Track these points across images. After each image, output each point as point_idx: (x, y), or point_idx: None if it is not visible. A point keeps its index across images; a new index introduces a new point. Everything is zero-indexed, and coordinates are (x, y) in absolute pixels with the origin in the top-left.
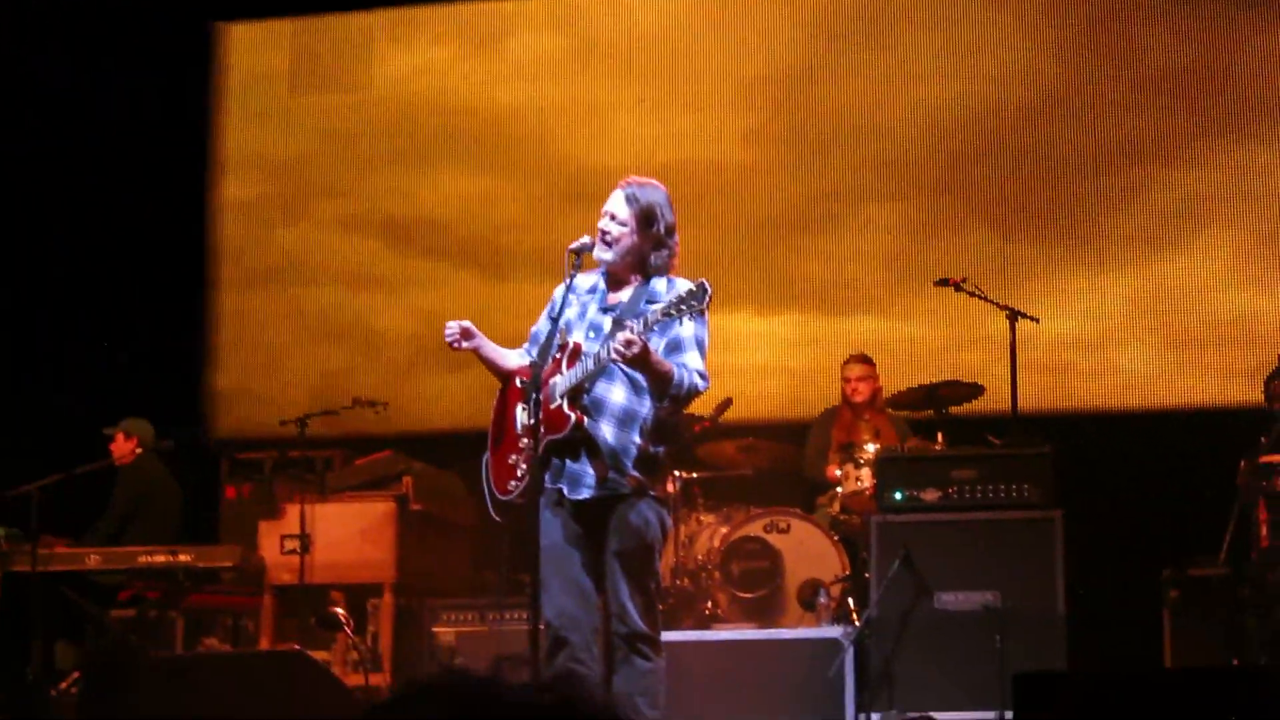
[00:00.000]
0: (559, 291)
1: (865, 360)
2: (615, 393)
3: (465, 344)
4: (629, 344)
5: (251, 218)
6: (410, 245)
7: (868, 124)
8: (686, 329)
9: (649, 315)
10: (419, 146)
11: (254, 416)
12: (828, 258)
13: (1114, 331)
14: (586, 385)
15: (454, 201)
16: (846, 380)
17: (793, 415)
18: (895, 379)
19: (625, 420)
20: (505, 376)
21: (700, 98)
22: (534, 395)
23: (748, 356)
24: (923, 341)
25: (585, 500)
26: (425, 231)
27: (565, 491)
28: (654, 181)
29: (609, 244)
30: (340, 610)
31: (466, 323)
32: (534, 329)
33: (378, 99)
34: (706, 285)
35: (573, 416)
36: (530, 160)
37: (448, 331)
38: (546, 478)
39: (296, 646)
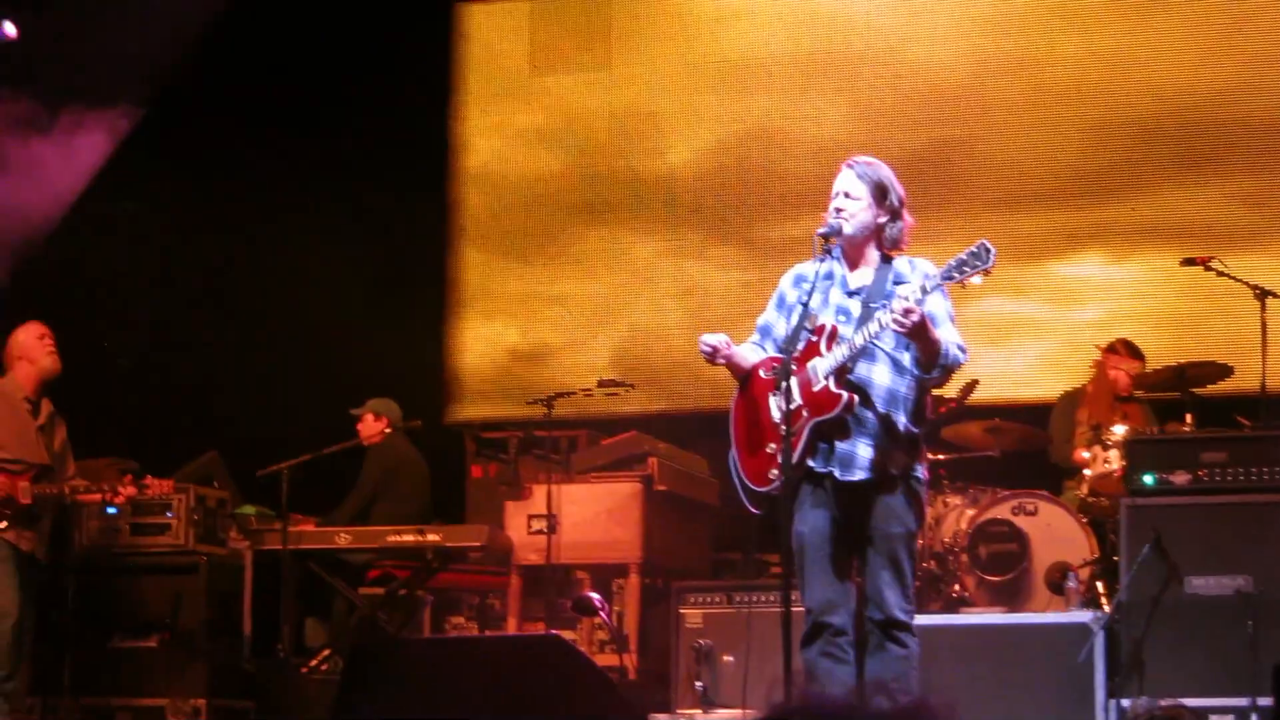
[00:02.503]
0: (787, 281)
1: (1140, 357)
2: (879, 373)
3: (721, 356)
4: (908, 313)
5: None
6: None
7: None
8: (938, 304)
9: (926, 281)
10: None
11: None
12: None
13: None
14: (849, 365)
15: (777, 139)
16: (1116, 369)
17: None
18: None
19: (890, 400)
20: (746, 373)
21: None
22: (785, 382)
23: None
24: None
25: (855, 482)
26: (741, 174)
27: (837, 474)
28: (877, 160)
29: (845, 219)
30: (596, 595)
31: (724, 336)
32: (761, 321)
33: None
34: (989, 245)
35: (844, 395)
36: (857, 83)
37: (704, 348)
38: (812, 462)
39: (544, 627)
